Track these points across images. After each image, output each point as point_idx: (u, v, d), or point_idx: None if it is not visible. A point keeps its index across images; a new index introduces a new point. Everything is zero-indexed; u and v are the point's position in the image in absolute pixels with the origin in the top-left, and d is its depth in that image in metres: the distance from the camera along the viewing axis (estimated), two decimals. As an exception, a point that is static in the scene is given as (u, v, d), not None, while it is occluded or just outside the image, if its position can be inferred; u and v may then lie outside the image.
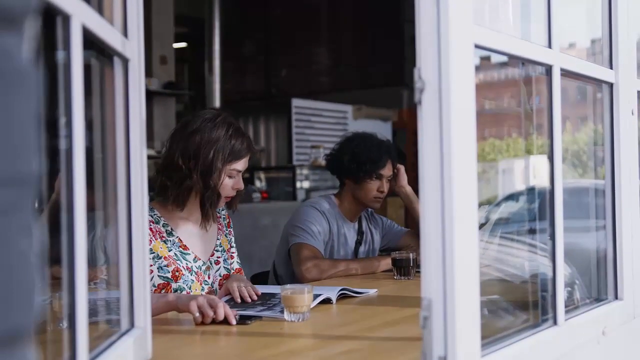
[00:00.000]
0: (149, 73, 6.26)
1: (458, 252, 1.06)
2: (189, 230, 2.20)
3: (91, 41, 1.01)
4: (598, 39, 1.76)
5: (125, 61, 1.23)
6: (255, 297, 2.01)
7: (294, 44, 8.96)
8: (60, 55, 0.89)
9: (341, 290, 2.08)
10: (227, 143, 2.10)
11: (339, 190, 2.91)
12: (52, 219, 0.97)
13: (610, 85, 1.72)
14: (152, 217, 2.12)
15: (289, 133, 7.45)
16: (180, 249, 2.14)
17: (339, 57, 8.92)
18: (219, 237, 2.29)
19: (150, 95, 6.51)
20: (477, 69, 1.14)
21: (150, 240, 2.07)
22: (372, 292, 2.22)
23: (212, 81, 7.62)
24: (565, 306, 1.44)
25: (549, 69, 1.43)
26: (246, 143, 2.15)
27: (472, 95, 1.11)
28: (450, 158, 1.06)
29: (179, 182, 2.09)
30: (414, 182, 2.90)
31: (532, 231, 1.72)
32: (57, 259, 0.91)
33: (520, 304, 1.61)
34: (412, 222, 3.11)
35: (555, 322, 1.42)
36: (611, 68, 1.72)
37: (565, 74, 1.48)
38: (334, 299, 2.02)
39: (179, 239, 2.15)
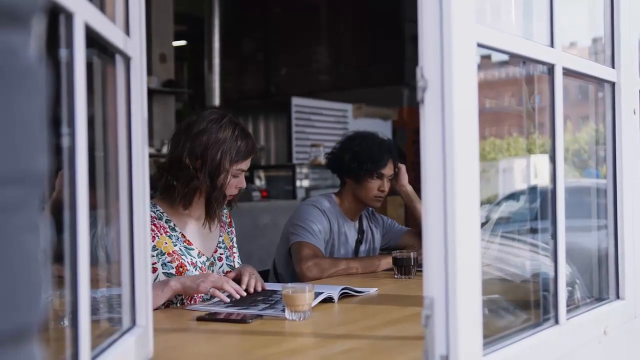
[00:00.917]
0: (148, 71, 6.21)
1: (460, 250, 1.06)
2: (191, 228, 2.21)
3: (93, 39, 1.00)
4: (600, 38, 1.76)
5: (127, 59, 1.23)
6: (259, 289, 2.11)
7: (294, 43, 8.96)
8: (63, 53, 0.89)
9: (343, 289, 2.08)
10: (233, 144, 2.13)
11: (340, 189, 2.91)
12: (53, 217, 0.97)
13: (612, 84, 1.72)
14: (154, 213, 2.14)
15: (289, 132, 7.45)
16: (185, 244, 2.16)
17: (339, 56, 8.91)
18: (221, 234, 2.31)
19: (149, 93, 6.48)
20: (478, 67, 1.14)
21: (155, 237, 2.09)
22: (373, 291, 2.22)
23: (212, 79, 7.63)
24: (567, 305, 1.44)
25: (551, 68, 1.43)
26: (251, 143, 2.19)
27: (475, 93, 1.11)
28: (453, 156, 1.06)
29: (186, 182, 2.11)
30: (412, 180, 2.91)
31: (533, 230, 1.71)
32: (57, 258, 0.91)
33: (521, 303, 1.61)
34: (412, 221, 3.12)
35: (556, 322, 1.42)
36: (613, 67, 1.72)
37: (567, 73, 1.47)
38: (335, 298, 2.02)
39: (182, 234, 2.17)
